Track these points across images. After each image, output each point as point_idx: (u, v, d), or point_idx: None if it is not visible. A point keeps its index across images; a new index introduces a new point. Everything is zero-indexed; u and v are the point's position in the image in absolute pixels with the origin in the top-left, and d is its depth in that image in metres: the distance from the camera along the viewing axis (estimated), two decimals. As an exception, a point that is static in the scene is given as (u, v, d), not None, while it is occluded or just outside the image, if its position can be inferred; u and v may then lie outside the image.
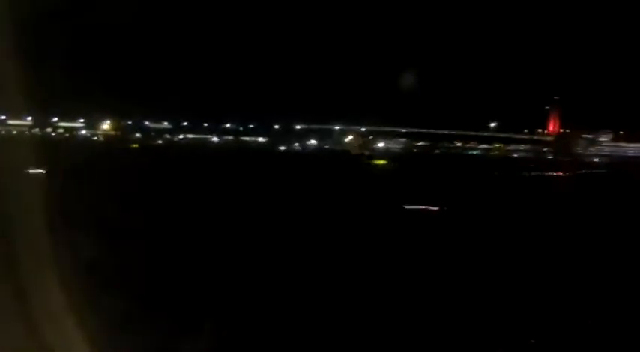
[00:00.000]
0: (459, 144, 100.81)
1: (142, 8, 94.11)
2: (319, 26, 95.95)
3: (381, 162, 75.14)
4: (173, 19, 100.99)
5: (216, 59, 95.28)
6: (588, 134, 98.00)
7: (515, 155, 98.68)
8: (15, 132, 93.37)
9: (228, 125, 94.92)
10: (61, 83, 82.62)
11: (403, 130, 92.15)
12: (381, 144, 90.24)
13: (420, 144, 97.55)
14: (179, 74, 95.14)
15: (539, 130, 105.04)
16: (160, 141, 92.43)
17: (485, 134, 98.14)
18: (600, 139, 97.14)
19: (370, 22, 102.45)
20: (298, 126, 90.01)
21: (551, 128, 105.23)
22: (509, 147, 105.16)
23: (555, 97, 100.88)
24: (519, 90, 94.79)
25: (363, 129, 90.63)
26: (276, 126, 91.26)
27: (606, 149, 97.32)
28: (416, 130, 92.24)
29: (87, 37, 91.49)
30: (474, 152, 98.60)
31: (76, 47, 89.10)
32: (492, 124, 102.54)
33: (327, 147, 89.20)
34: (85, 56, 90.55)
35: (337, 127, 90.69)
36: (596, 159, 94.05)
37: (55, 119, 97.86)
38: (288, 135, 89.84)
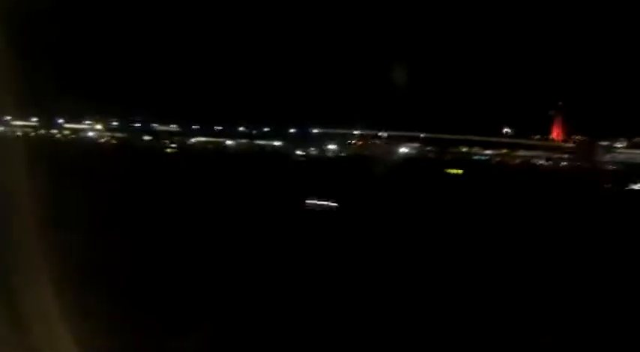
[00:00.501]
0: (474, 149, 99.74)
1: (151, 8, 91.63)
2: (332, 30, 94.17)
3: (457, 171, 71.53)
4: (182, 19, 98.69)
5: (226, 60, 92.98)
6: (604, 141, 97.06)
7: (541, 162, 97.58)
8: (20, 133, 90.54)
9: (241, 128, 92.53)
10: (67, 84, 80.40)
11: (422, 135, 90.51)
12: (403, 150, 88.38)
13: (431, 148, 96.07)
14: (187, 75, 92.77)
15: (554, 137, 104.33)
16: (189, 145, 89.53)
17: (506, 140, 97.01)
18: (615, 146, 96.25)
19: (382, 28, 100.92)
20: (315, 130, 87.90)
21: (555, 134, 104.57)
22: (521, 153, 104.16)
23: (559, 103, 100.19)
24: (524, 95, 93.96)
25: (385, 134, 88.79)
26: (292, 130, 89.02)
27: (621, 156, 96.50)
28: (430, 135, 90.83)
29: (93, 38, 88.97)
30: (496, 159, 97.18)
31: (82, 47, 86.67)
32: (506, 130, 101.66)
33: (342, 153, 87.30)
34: (91, 57, 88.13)
35: (356, 132, 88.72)
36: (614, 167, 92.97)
37: (61, 120, 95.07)
38: (305, 139, 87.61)
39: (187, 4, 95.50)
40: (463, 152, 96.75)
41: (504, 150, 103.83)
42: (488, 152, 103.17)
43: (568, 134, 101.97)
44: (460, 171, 69.64)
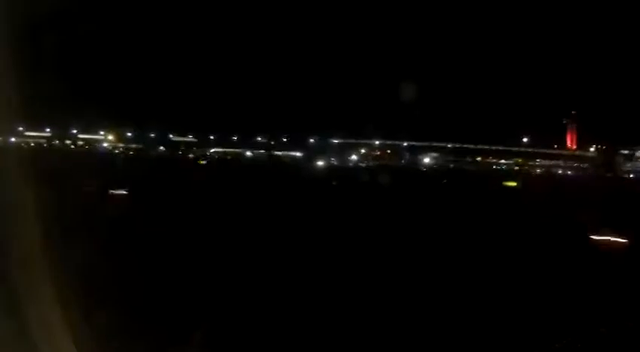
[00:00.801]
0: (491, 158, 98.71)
1: (166, 21, 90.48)
2: (353, 42, 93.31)
3: (512, 184, 69.40)
4: (197, 31, 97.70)
5: (241, 71, 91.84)
6: (623, 149, 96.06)
7: (565, 171, 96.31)
8: (32, 144, 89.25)
9: (258, 138, 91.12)
10: (80, 95, 79.19)
11: (450, 145, 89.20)
12: (427, 160, 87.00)
13: (452, 158, 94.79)
14: (201, 86, 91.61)
15: (569, 145, 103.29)
16: (217, 155, 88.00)
17: (530, 150, 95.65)
18: (637, 155, 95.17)
19: (402, 41, 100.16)
20: (335, 140, 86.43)
21: (570, 143, 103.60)
22: (544, 163, 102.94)
23: (573, 112, 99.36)
24: (537, 103, 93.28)
25: (406, 143, 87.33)
26: (311, 140, 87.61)
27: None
28: (450, 145, 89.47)
29: (108, 49, 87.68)
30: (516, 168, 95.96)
31: (96, 59, 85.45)
32: (525, 139, 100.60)
33: (363, 163, 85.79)
34: (104, 68, 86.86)
35: (377, 142, 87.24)
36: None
37: (75, 131, 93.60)
38: (325, 149, 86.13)
39: (204, 17, 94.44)
40: (490, 162, 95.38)
41: (519, 160, 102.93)
42: (503, 161, 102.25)
43: (583, 143, 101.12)
44: (515, 184, 67.85)
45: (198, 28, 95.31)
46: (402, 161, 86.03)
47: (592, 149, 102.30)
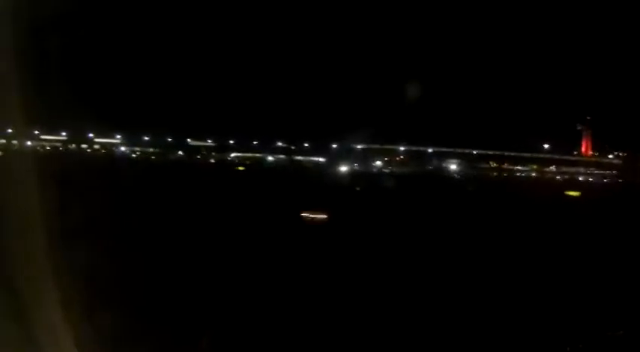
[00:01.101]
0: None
1: (181, 26, 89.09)
2: (372, 49, 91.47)
3: (575, 193, 67.04)
4: (211, 36, 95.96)
5: (259, 75, 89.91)
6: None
7: (591, 179, 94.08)
8: (49, 147, 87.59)
9: (279, 143, 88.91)
10: (95, 98, 78.27)
11: (475, 152, 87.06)
12: (454, 167, 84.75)
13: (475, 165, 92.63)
14: (218, 90, 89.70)
15: (583, 152, 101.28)
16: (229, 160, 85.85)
17: (556, 156, 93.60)
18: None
19: (418, 49, 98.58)
20: (359, 146, 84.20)
21: (584, 149, 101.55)
22: (567, 169, 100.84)
23: (588, 117, 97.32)
24: (551, 110, 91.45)
25: (430, 150, 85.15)
26: (334, 145, 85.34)
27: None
28: (475, 152, 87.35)
29: (123, 53, 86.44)
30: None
31: (113, 63, 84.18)
32: (546, 146, 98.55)
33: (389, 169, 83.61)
34: (120, 72, 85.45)
35: (402, 148, 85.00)
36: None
37: (91, 135, 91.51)
38: (347, 155, 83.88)
39: (225, 21, 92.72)
40: (513, 169, 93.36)
41: (534, 166, 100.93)
42: (519, 168, 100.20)
43: (600, 149, 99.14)
44: (578, 193, 65.67)
45: (217, 31, 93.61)
46: (429, 167, 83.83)
47: (611, 156, 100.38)
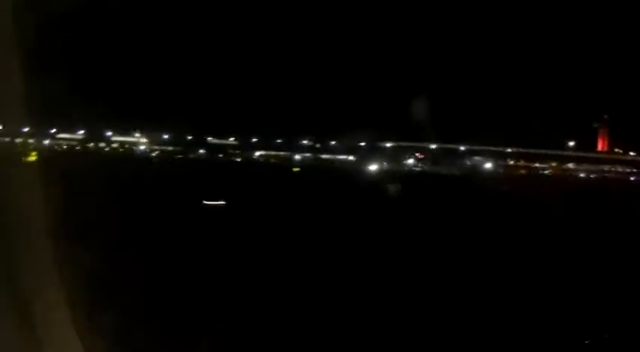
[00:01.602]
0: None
1: (199, 24, 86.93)
2: (405, 46, 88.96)
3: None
4: (239, 32, 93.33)
5: (280, 72, 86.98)
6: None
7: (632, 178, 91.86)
8: (66, 146, 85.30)
9: (304, 141, 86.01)
10: (112, 96, 76.92)
11: (508, 150, 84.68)
12: (488, 165, 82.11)
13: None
14: (239, 86, 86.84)
15: (600, 149, 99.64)
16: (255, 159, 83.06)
17: (592, 155, 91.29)
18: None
19: (437, 49, 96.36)
20: (388, 144, 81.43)
21: (601, 146, 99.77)
22: (589, 168, 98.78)
23: (605, 116, 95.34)
24: (567, 107, 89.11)
25: (462, 147, 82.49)
26: (362, 143, 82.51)
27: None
28: (509, 149, 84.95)
29: (142, 51, 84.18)
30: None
31: (131, 61, 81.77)
32: (571, 143, 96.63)
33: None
34: (139, 70, 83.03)
35: (433, 146, 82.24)
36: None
37: (109, 133, 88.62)
38: (376, 152, 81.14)
39: (246, 20, 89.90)
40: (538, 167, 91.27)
41: (553, 163, 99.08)
42: (538, 165, 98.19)
43: (615, 146, 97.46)
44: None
45: (238, 29, 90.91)
46: (462, 165, 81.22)
47: (632, 153, 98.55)
